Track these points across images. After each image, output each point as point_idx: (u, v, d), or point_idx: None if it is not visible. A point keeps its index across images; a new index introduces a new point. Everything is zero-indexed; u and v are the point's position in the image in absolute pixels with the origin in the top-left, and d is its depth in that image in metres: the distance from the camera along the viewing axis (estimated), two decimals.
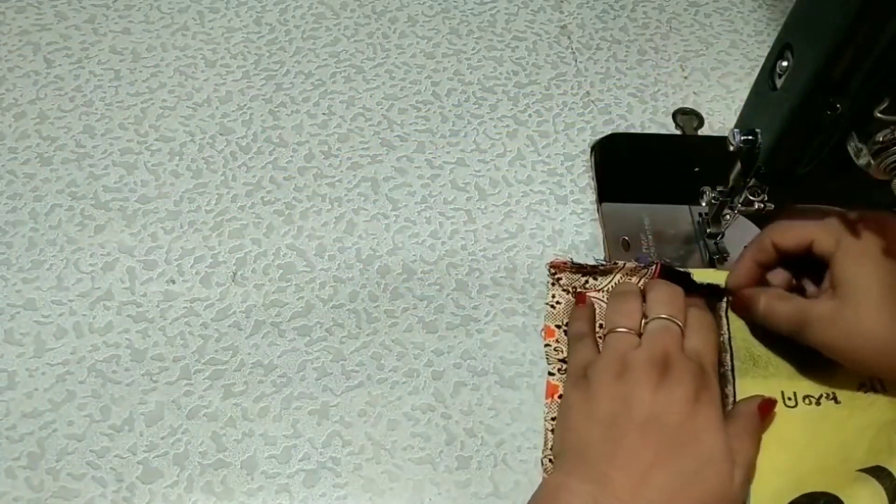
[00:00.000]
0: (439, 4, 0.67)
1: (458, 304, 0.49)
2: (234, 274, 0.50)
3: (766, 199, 0.44)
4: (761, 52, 0.65)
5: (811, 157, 0.41)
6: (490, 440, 0.44)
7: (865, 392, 0.44)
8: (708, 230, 0.50)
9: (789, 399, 0.43)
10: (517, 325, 0.48)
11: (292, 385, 0.45)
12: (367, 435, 0.44)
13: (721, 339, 0.46)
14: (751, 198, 0.45)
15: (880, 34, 0.35)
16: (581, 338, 0.45)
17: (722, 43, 0.66)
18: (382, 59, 0.63)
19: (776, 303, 0.44)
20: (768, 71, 0.41)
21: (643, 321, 0.44)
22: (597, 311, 0.48)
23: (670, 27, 0.66)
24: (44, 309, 0.48)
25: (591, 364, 0.42)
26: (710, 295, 0.47)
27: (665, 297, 0.45)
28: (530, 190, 0.55)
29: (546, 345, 0.47)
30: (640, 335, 0.43)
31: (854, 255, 0.41)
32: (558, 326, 0.47)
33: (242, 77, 0.61)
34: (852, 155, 0.39)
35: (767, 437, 0.42)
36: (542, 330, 0.48)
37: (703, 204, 0.49)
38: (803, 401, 0.43)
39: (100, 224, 0.52)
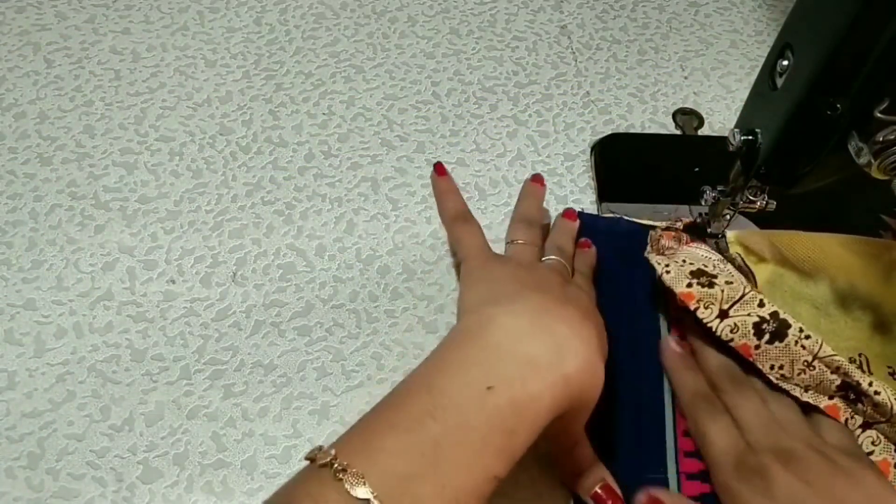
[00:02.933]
0: (439, 4, 0.67)
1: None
2: (234, 274, 0.50)
3: (766, 198, 0.44)
4: (761, 52, 0.65)
5: (811, 157, 0.41)
6: None
7: None
8: (708, 230, 0.50)
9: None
10: None
11: (292, 385, 0.45)
12: None
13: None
14: (751, 198, 0.45)
15: (880, 34, 0.35)
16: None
17: (722, 43, 0.66)
18: (382, 59, 0.63)
19: None
20: (768, 71, 0.41)
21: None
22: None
23: (670, 27, 0.66)
24: (44, 309, 0.48)
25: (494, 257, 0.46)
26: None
27: (556, 249, 0.48)
28: None
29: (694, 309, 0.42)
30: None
31: None
32: (689, 285, 0.42)
33: (242, 77, 0.61)
34: (852, 155, 0.39)
35: None
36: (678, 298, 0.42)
37: (703, 204, 0.49)
38: None
39: (100, 224, 0.52)
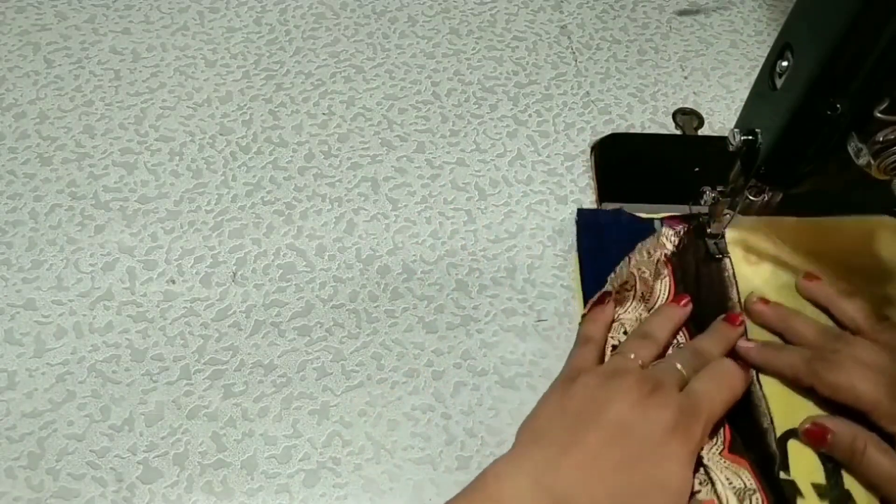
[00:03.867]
0: (439, 4, 0.67)
1: (458, 304, 0.49)
2: (234, 274, 0.50)
3: (765, 198, 0.44)
4: (761, 52, 0.65)
5: (811, 157, 0.41)
6: (490, 440, 0.44)
7: None
8: (708, 230, 0.50)
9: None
10: (517, 325, 0.48)
11: (292, 385, 0.45)
12: (367, 435, 0.44)
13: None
14: (751, 198, 0.45)
15: (880, 34, 0.35)
16: (587, 342, 0.44)
17: (722, 43, 0.66)
18: (382, 59, 0.63)
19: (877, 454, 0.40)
20: (768, 71, 0.41)
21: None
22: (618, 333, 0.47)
23: (670, 27, 0.66)
24: (44, 309, 0.48)
25: (584, 370, 0.42)
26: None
27: (697, 348, 0.44)
28: (530, 190, 0.55)
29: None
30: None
31: None
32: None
33: (242, 77, 0.61)
34: (852, 155, 0.39)
35: None
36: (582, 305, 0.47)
37: (703, 204, 0.49)
38: None
39: (100, 224, 0.52)
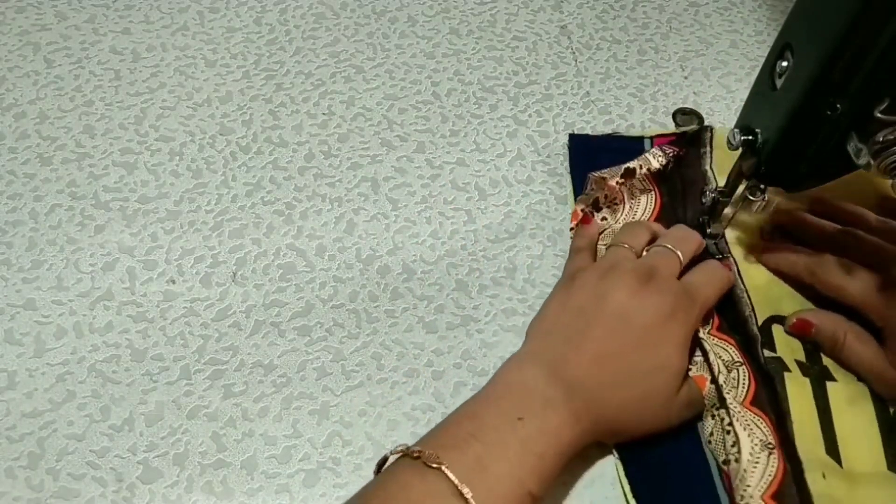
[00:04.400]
0: (439, 4, 0.67)
1: (458, 304, 0.49)
2: (234, 274, 0.50)
3: (765, 198, 0.44)
4: (761, 52, 0.65)
5: (811, 157, 0.41)
6: None
7: None
8: (708, 230, 0.50)
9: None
10: (517, 325, 0.48)
11: (292, 385, 0.45)
12: (367, 435, 0.44)
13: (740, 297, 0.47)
14: (751, 198, 0.45)
15: (880, 34, 0.35)
16: (579, 251, 0.48)
17: (722, 43, 0.66)
18: (382, 59, 0.63)
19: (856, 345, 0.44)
20: (768, 71, 0.41)
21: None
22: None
23: (670, 27, 0.66)
24: (44, 309, 0.48)
25: (583, 268, 0.45)
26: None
27: (677, 234, 0.46)
28: (530, 190, 0.55)
29: (571, 228, 0.51)
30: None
31: None
32: (583, 210, 0.51)
33: (242, 77, 0.61)
34: (852, 155, 0.39)
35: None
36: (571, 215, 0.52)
37: (703, 204, 0.49)
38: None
39: (100, 224, 0.52)
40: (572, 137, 0.56)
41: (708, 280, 0.45)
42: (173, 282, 0.49)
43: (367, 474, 0.42)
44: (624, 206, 0.52)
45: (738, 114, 0.45)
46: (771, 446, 0.39)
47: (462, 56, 0.63)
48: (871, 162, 0.37)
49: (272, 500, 0.41)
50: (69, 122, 0.57)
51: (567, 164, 0.55)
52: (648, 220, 0.51)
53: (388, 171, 0.56)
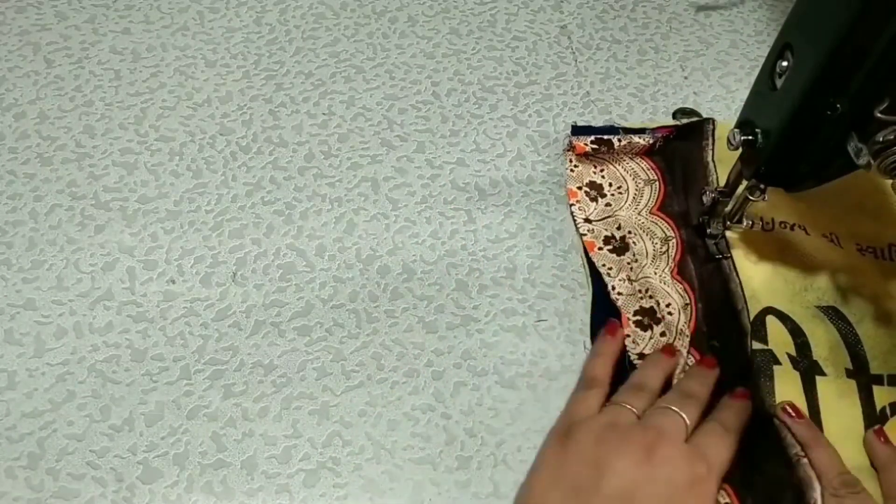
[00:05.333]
0: (439, 4, 0.67)
1: (458, 304, 0.49)
2: (234, 274, 0.50)
3: (765, 198, 0.44)
4: (761, 52, 0.65)
5: (811, 157, 0.41)
6: (490, 440, 0.44)
7: None
8: (708, 230, 0.50)
9: None
10: (517, 325, 0.48)
11: (292, 385, 0.45)
12: (367, 435, 0.44)
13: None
14: (751, 198, 0.45)
15: (880, 34, 0.35)
16: (592, 384, 0.42)
17: (722, 43, 0.66)
18: (382, 59, 0.63)
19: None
20: (768, 71, 0.41)
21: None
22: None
23: (670, 27, 0.66)
24: (44, 309, 0.48)
25: (579, 422, 0.39)
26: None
27: (684, 388, 0.42)
28: (530, 190, 0.55)
29: (570, 205, 0.53)
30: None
31: None
32: (579, 188, 0.53)
33: (242, 77, 0.61)
34: (852, 155, 0.39)
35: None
36: (566, 193, 0.54)
37: (704, 204, 0.49)
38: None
39: (100, 224, 0.52)
40: (575, 129, 0.57)
41: (720, 439, 0.39)
42: (173, 282, 0.49)
43: (367, 474, 0.42)
44: (628, 195, 0.53)
45: (738, 114, 0.45)
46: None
47: (462, 56, 0.63)
48: (871, 162, 0.37)
49: (272, 500, 0.41)
50: (69, 122, 0.57)
51: (566, 164, 0.55)
52: (652, 209, 0.52)
53: (388, 171, 0.56)
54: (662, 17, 0.67)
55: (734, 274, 0.48)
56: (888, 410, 0.43)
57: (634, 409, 0.39)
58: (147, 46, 0.62)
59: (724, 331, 0.46)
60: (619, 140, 0.54)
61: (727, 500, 0.39)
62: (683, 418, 0.39)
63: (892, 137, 0.37)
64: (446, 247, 0.52)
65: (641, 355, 0.45)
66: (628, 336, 0.46)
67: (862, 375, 0.44)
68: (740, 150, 0.44)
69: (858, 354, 0.45)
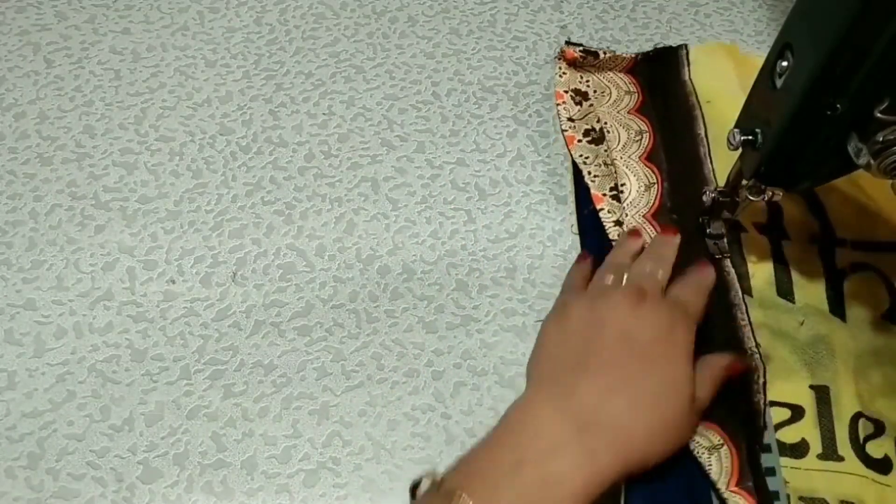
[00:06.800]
0: (439, 4, 0.67)
1: (458, 304, 0.49)
2: (234, 274, 0.50)
3: (765, 198, 0.44)
4: (761, 52, 0.65)
5: (811, 157, 0.41)
6: None
7: None
8: (708, 230, 0.50)
9: None
10: (517, 325, 0.48)
11: (292, 385, 0.45)
12: (367, 435, 0.44)
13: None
14: (751, 198, 0.45)
15: (880, 34, 0.35)
16: (573, 288, 0.47)
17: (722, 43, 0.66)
18: (382, 59, 0.63)
19: None
20: (768, 71, 0.41)
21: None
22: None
23: (670, 27, 0.66)
24: (44, 309, 0.48)
25: (570, 299, 0.44)
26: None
27: (653, 252, 0.46)
28: (530, 190, 0.55)
29: (556, 105, 0.56)
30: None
31: None
32: (566, 91, 0.57)
33: (242, 77, 0.61)
34: (852, 155, 0.39)
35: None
36: (554, 96, 0.57)
37: (704, 204, 0.49)
38: None
39: (100, 224, 0.52)
40: (568, 42, 0.59)
41: (695, 290, 0.44)
42: (173, 282, 0.49)
43: (367, 474, 0.42)
44: (610, 98, 0.57)
45: (738, 114, 0.45)
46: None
47: (462, 56, 0.63)
48: (871, 162, 0.37)
49: (272, 500, 0.41)
50: (69, 122, 0.57)
51: (567, 164, 0.55)
52: (644, 154, 0.54)
53: (388, 171, 0.56)
54: (662, 17, 0.67)
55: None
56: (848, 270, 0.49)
57: (614, 278, 0.45)
58: (147, 46, 0.62)
59: (687, 205, 0.50)
60: (605, 53, 0.58)
61: (719, 439, 0.41)
62: (657, 277, 0.44)
63: (892, 137, 0.37)
64: (446, 247, 0.52)
65: (618, 223, 0.50)
66: (602, 209, 0.51)
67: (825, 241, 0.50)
68: (740, 149, 0.44)
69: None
